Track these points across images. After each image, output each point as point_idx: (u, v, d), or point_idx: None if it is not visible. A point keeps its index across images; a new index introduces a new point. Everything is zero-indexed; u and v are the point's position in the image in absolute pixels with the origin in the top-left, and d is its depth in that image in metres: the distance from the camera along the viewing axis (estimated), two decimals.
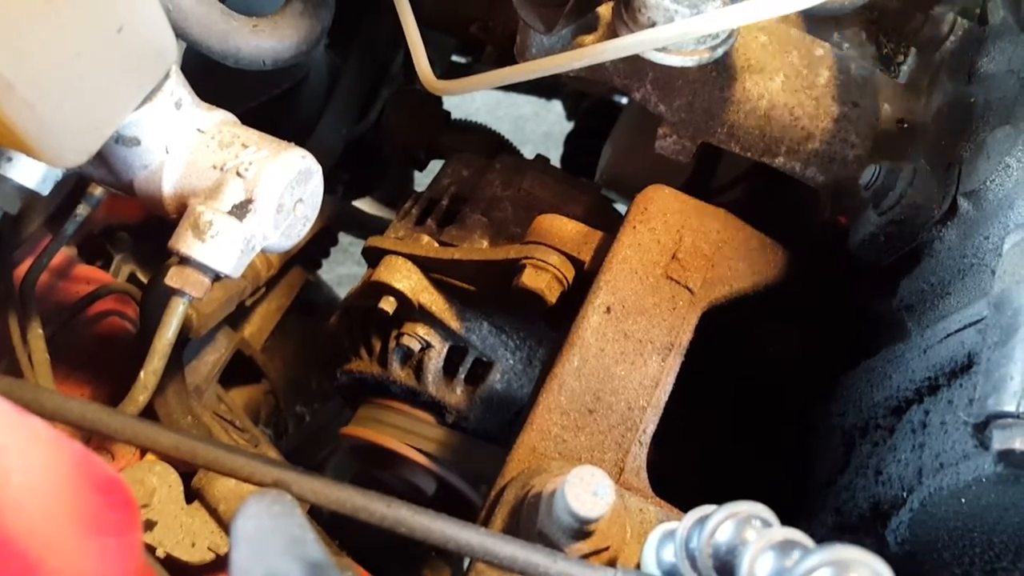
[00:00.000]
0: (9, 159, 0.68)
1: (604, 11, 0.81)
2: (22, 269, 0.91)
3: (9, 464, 0.36)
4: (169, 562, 0.77)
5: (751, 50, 0.82)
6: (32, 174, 0.70)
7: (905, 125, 0.82)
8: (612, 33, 0.77)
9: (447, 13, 1.22)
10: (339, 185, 1.49)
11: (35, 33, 0.51)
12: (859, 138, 0.82)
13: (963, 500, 0.59)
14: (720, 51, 0.76)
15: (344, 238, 1.51)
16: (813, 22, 0.95)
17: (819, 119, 0.82)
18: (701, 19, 0.69)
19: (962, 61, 0.83)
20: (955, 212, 0.72)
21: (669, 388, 0.71)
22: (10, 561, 0.34)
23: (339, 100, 1.29)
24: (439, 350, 0.97)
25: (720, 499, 0.51)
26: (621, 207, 1.13)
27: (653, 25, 0.72)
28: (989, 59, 0.82)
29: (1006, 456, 0.54)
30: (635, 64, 0.82)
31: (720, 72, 0.81)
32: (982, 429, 0.56)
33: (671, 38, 0.71)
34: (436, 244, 0.98)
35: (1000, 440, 0.53)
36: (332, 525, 0.93)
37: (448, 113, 1.33)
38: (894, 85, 0.84)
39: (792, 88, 0.82)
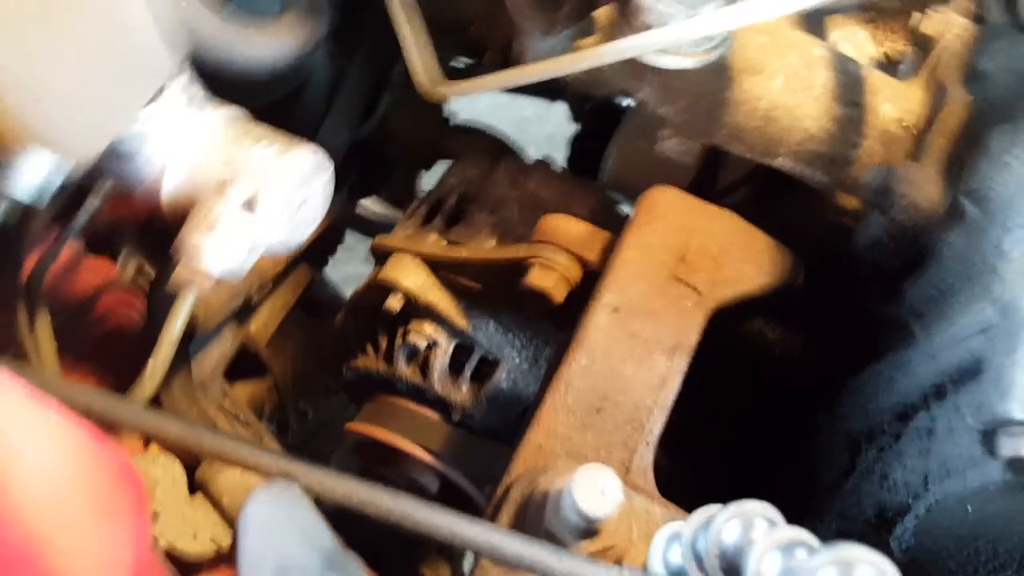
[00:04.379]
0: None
1: (603, 14, 0.81)
2: (30, 263, 0.91)
3: (20, 447, 0.36)
4: (171, 554, 0.77)
5: (750, 51, 0.82)
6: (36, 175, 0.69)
7: (905, 124, 0.82)
8: (611, 36, 0.77)
9: (448, 15, 1.22)
10: (345, 184, 1.49)
11: (43, 31, 0.52)
12: (860, 138, 0.82)
13: (969, 507, 0.59)
14: (718, 52, 0.76)
15: (350, 237, 1.50)
16: (812, 22, 0.95)
17: (819, 119, 0.82)
18: (698, 21, 0.69)
19: (960, 60, 0.83)
20: (959, 213, 0.72)
21: (676, 389, 0.71)
22: (20, 543, 0.34)
23: (343, 102, 1.29)
24: (445, 348, 0.97)
25: (725, 500, 0.51)
26: (625, 209, 1.13)
27: (650, 27, 0.72)
28: (988, 58, 0.81)
29: (1014, 463, 0.54)
30: (635, 66, 0.81)
31: (719, 73, 0.81)
32: (989, 436, 0.55)
33: (668, 40, 0.71)
34: (443, 243, 0.98)
35: (1007, 447, 0.53)
36: (332, 522, 0.93)
37: (447, 118, 1.34)
38: (893, 84, 0.84)
39: (792, 88, 0.82)
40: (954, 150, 0.75)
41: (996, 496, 0.57)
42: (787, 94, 0.81)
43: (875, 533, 0.70)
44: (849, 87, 0.82)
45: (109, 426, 0.81)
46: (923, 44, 0.86)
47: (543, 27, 0.75)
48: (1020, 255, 0.59)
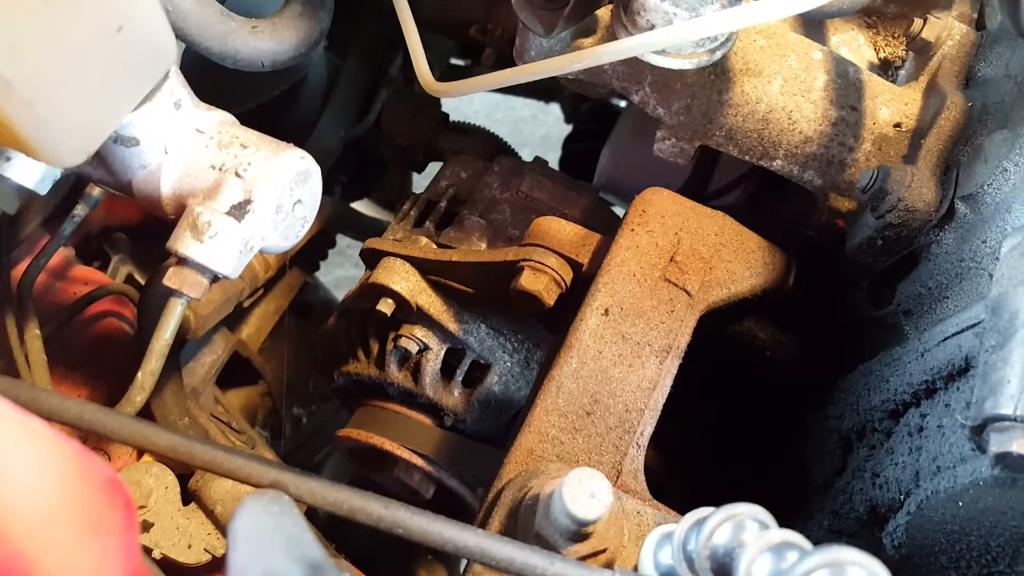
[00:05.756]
0: (8, 159, 0.68)
1: (603, 14, 0.81)
2: (20, 269, 0.91)
3: (7, 463, 0.36)
4: (165, 563, 0.77)
5: (749, 53, 0.82)
6: (31, 174, 0.69)
7: (902, 129, 0.82)
8: (611, 36, 0.77)
9: (446, 15, 1.22)
10: (337, 187, 1.49)
11: (34, 32, 0.51)
12: (856, 141, 0.82)
13: (960, 503, 0.59)
14: (718, 54, 0.76)
15: (342, 240, 1.51)
16: (811, 25, 0.96)
17: (817, 122, 0.82)
18: (699, 22, 0.70)
19: (960, 65, 0.83)
20: (952, 216, 0.72)
21: (667, 390, 0.71)
22: (8, 561, 0.34)
23: (338, 102, 1.29)
24: (437, 352, 0.97)
25: (717, 501, 0.51)
26: (619, 210, 1.13)
27: (652, 28, 0.72)
28: (987, 63, 0.82)
29: (1003, 459, 0.54)
30: (634, 67, 0.82)
31: (718, 75, 0.81)
32: (979, 432, 0.56)
33: (669, 41, 0.71)
34: (434, 246, 0.98)
35: (997, 443, 0.54)
36: (327, 528, 0.93)
37: (447, 115, 1.33)
38: (891, 89, 0.84)
39: (790, 91, 0.82)
40: (950, 154, 0.75)
41: (986, 492, 0.57)
42: (785, 97, 0.82)
43: (867, 530, 0.70)
44: (847, 91, 0.82)
45: (100, 438, 0.81)
46: (923, 49, 0.86)
47: (546, 26, 0.75)
48: (1010, 254, 0.60)
